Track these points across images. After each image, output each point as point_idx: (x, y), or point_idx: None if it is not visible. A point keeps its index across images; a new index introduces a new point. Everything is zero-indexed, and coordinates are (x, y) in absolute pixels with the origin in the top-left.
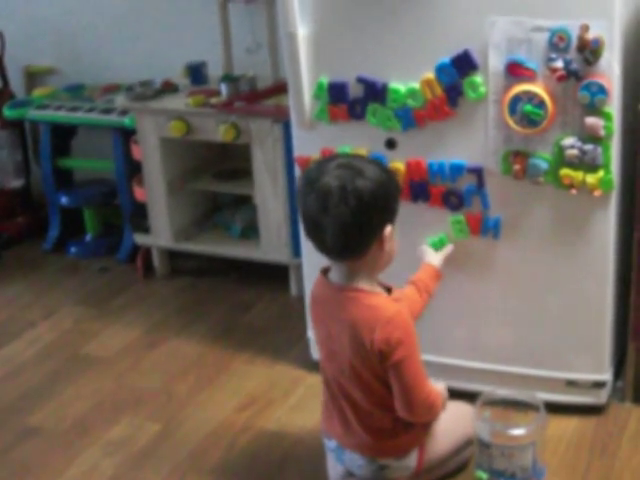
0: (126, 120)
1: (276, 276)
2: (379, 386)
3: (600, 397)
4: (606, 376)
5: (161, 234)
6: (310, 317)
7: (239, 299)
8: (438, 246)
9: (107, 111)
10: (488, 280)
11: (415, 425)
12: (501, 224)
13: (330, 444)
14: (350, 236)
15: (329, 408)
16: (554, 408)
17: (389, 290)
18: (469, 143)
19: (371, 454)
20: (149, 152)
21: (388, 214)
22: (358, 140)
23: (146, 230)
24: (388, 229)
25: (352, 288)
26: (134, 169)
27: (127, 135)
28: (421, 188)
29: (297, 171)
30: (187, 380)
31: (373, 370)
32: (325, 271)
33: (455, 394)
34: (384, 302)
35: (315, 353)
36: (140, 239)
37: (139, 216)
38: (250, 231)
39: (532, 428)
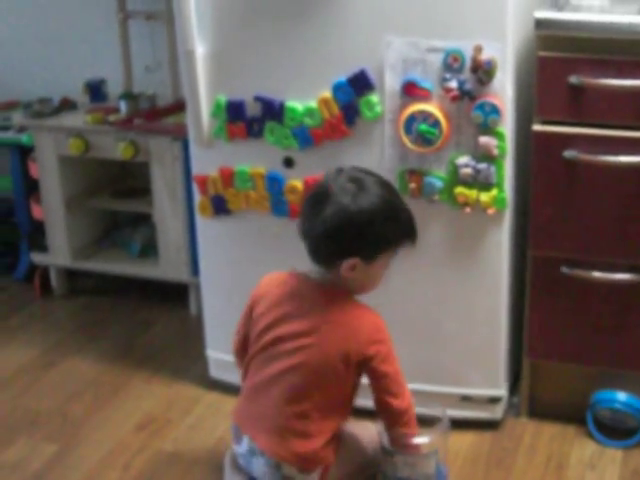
0: (24, 137)
1: (175, 295)
2: (331, 388)
3: (495, 412)
4: (501, 391)
5: (59, 253)
6: (257, 305)
7: (138, 318)
8: None
9: (4, 128)
10: (384, 297)
11: (326, 441)
12: None
13: (240, 448)
14: (317, 247)
15: (251, 395)
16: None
17: None
18: (366, 162)
19: (277, 455)
20: (47, 170)
21: (354, 250)
22: (256, 158)
23: (44, 249)
24: (351, 261)
25: (334, 288)
26: (32, 187)
27: (25, 153)
28: None
29: (196, 189)
30: (84, 400)
31: (337, 374)
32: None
33: (359, 412)
34: (366, 309)
35: (215, 371)
36: (37, 258)
37: (37, 234)
38: (149, 249)
39: (434, 437)
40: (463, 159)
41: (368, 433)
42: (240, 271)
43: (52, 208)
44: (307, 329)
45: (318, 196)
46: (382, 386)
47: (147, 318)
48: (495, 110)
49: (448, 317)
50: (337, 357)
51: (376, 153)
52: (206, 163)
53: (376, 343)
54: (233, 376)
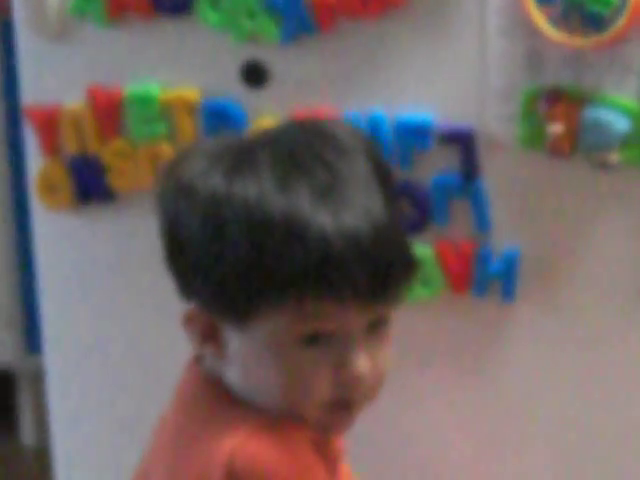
0: None
1: None
2: None
3: None
4: None
5: None
6: None
7: None
8: None
9: None
10: (495, 399)
11: None
12: (519, 265)
13: None
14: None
15: None
16: None
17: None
18: (441, 73)
19: None
20: None
21: (188, 285)
22: (177, 66)
23: None
24: (190, 311)
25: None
26: None
27: None
28: None
29: (31, 142)
30: None
31: None
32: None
33: None
34: (239, 426)
35: None
36: None
37: None
38: None
39: None
40: None
41: None
42: (143, 340)
43: None
44: (160, 471)
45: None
46: None
47: None
48: None
49: None
50: None
51: (468, 52)
52: (55, 78)
53: None
54: None
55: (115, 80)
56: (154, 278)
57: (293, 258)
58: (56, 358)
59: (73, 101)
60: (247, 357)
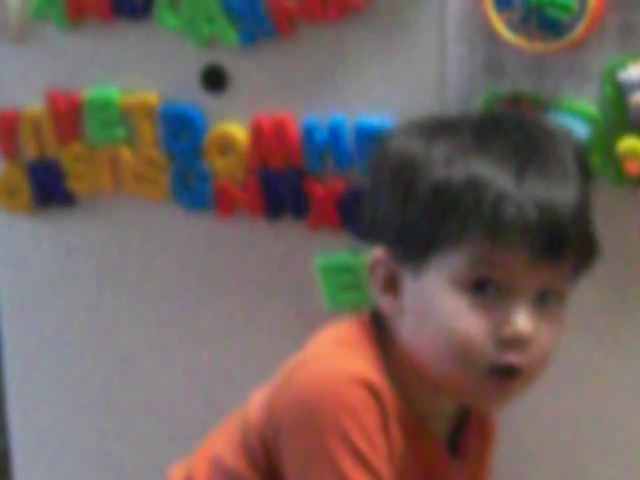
0: None
1: None
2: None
3: None
4: None
5: None
6: None
7: None
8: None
9: None
10: None
11: None
12: None
13: None
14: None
15: None
16: None
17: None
18: (401, 78)
19: None
20: None
21: (376, 231)
22: (137, 70)
23: None
24: (377, 253)
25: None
26: None
27: None
28: (288, 185)
29: None
30: None
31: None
32: None
33: None
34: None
35: None
36: None
37: None
38: None
39: None
40: (637, 70)
41: None
42: (103, 341)
43: None
44: None
45: None
46: None
47: None
48: None
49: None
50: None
51: (428, 57)
52: (14, 82)
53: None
54: None
55: (75, 84)
56: (114, 280)
57: (474, 203)
58: (15, 359)
59: (33, 105)
60: (418, 307)
